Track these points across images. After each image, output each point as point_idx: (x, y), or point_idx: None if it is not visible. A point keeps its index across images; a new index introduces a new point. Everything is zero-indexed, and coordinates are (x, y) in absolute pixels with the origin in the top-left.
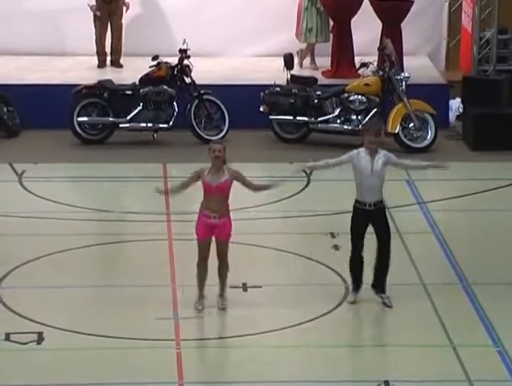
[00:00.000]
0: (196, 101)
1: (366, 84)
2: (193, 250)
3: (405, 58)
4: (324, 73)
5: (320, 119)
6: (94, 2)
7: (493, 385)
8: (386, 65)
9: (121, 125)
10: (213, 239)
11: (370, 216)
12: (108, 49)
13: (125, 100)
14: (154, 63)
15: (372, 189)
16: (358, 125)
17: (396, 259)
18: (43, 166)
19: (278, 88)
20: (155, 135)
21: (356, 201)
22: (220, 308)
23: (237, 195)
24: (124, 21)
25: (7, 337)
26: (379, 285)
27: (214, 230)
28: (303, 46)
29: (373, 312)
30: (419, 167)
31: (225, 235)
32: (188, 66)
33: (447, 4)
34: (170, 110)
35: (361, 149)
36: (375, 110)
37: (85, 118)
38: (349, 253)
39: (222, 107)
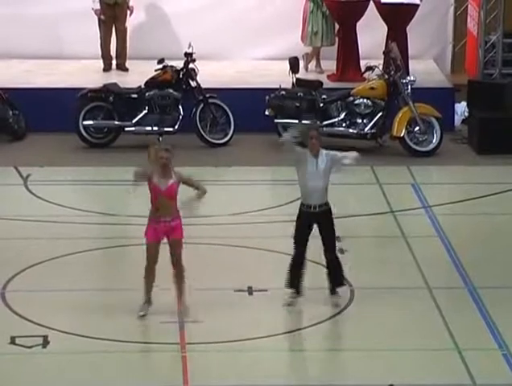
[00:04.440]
0: (202, 105)
1: (372, 88)
2: (197, 253)
3: (410, 61)
4: (329, 77)
5: (325, 122)
6: (99, 6)
7: None
8: (392, 69)
9: (126, 129)
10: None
11: (316, 218)
12: (113, 53)
13: (130, 104)
14: (160, 66)
15: (316, 191)
16: (363, 129)
17: (401, 263)
18: (48, 169)
19: (283, 92)
20: (161, 138)
21: (301, 204)
22: (187, 318)
23: (241, 199)
24: (130, 25)
25: (12, 340)
26: (334, 287)
27: (167, 233)
28: (309, 49)
29: (379, 315)
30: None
31: (179, 234)
32: (194, 69)
33: (452, 8)
34: (175, 114)
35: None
36: (380, 114)
37: (91, 122)
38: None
39: (228, 110)
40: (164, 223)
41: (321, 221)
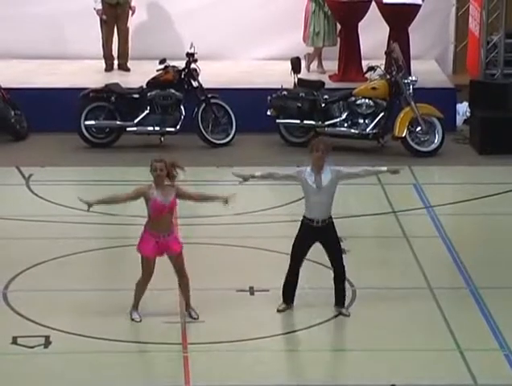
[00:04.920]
0: (204, 105)
1: (373, 88)
2: (199, 253)
3: (412, 62)
4: (331, 77)
5: (327, 123)
6: (101, 7)
7: None
8: (394, 69)
9: (128, 129)
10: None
11: (318, 233)
12: (115, 53)
13: (132, 104)
14: (162, 66)
15: (320, 206)
16: (365, 129)
17: (403, 263)
18: (50, 169)
19: (285, 92)
20: (162, 139)
21: (304, 217)
22: (194, 317)
23: (243, 199)
24: (132, 25)
25: (14, 340)
26: (338, 302)
27: (166, 248)
28: (311, 50)
29: (380, 316)
30: (372, 173)
31: (178, 247)
32: (196, 70)
33: (454, 8)
34: (177, 114)
35: (308, 168)
36: (382, 114)
37: (93, 122)
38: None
39: (229, 111)
40: (164, 239)
41: (324, 237)
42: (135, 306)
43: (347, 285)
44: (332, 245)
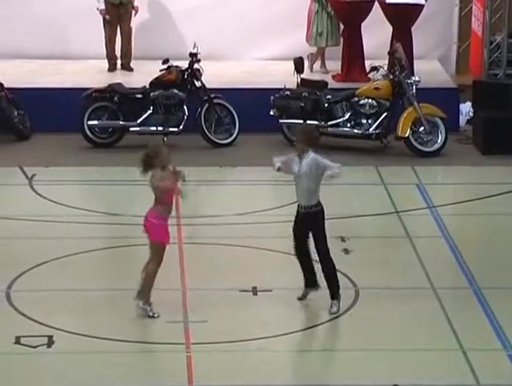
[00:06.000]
0: (207, 105)
1: (376, 88)
2: (202, 253)
3: (415, 62)
4: (334, 77)
5: (330, 123)
6: (104, 6)
7: None
8: (397, 69)
9: (131, 129)
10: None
11: (305, 219)
12: (118, 53)
13: (135, 104)
14: (165, 66)
15: (301, 192)
16: (368, 129)
17: (406, 263)
18: (53, 169)
19: (288, 92)
20: (165, 139)
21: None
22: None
23: (246, 199)
24: (135, 25)
25: (17, 340)
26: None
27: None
28: (314, 50)
29: (383, 316)
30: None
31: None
32: (199, 70)
33: (457, 8)
34: (180, 114)
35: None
36: (385, 114)
37: (96, 122)
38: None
39: (232, 110)
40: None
41: (307, 223)
42: (148, 301)
43: (349, 284)
44: (314, 235)
